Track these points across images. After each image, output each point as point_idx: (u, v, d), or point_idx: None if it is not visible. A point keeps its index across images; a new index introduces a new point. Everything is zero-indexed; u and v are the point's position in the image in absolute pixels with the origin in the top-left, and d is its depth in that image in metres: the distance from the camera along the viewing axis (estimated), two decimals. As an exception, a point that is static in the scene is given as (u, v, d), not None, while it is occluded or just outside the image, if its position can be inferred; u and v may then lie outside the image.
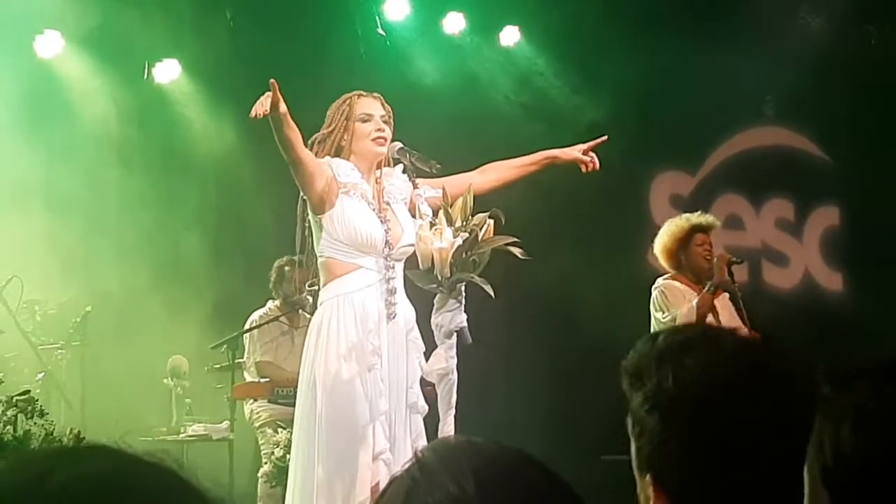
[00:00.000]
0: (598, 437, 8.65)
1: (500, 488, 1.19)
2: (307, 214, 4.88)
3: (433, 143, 7.65)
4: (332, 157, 4.87)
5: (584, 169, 5.19)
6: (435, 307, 4.93)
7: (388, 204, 4.87)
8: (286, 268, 7.75)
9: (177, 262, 8.52)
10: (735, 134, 10.37)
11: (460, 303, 4.88)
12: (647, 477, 1.59)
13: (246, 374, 7.77)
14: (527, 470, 1.22)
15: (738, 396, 1.48)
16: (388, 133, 4.86)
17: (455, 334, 4.87)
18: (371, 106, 4.90)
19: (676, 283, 6.85)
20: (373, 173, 4.90)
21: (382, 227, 4.78)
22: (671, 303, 6.76)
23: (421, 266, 4.90)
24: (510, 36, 9.36)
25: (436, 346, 4.96)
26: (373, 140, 4.85)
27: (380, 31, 8.93)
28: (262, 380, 7.58)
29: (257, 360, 7.73)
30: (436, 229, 4.86)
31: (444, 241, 4.81)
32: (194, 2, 8.69)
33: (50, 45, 8.61)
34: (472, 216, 4.89)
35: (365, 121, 4.86)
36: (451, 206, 4.93)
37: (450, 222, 4.86)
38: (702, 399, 1.52)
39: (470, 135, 8.67)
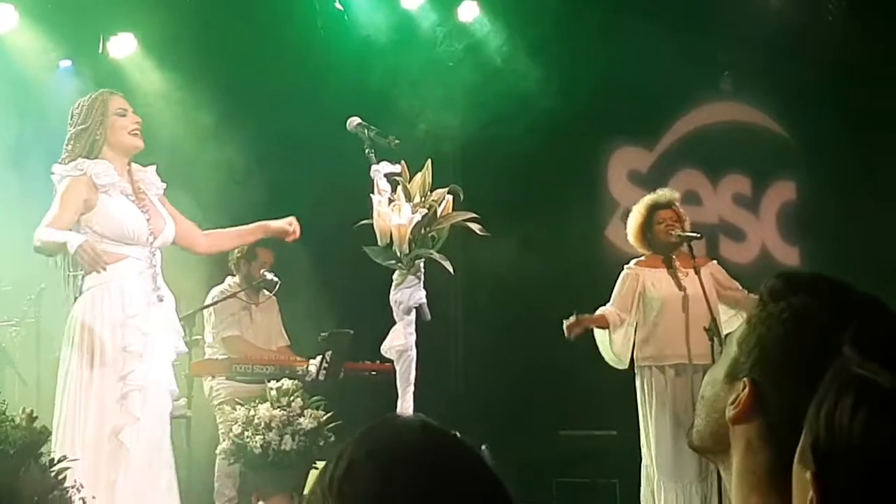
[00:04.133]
0: (556, 412, 8.69)
1: (387, 452, 1.22)
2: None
3: (392, 116, 7.64)
4: (87, 154, 4.99)
5: (287, 239, 5.60)
6: (394, 284, 4.92)
7: (145, 195, 5.06)
8: (257, 248, 7.73)
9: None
10: (693, 109, 10.40)
11: (419, 279, 4.87)
12: (744, 381, 1.60)
13: (207, 349, 7.73)
14: (426, 439, 1.22)
15: None
16: (140, 125, 5.13)
17: (414, 311, 4.87)
18: (124, 102, 5.13)
19: (636, 270, 6.90)
20: (125, 167, 4.98)
21: (144, 218, 4.97)
22: (616, 290, 6.87)
23: (379, 242, 4.89)
24: (469, 11, 9.31)
25: (394, 323, 4.95)
26: (130, 133, 5.03)
27: (338, 5, 8.87)
28: (221, 356, 7.55)
29: (224, 336, 7.71)
30: (394, 205, 4.85)
31: (402, 217, 4.80)
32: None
33: (3, 18, 8.49)
34: (431, 192, 4.88)
35: (121, 115, 5.01)
36: (409, 182, 4.92)
37: (408, 198, 4.85)
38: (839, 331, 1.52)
39: (431, 106, 8.64)
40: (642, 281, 6.85)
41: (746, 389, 1.60)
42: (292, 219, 5.54)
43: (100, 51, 8.81)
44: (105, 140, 5.04)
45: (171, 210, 5.26)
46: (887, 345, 1.25)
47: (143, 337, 4.87)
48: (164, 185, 5.25)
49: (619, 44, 9.13)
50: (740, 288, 6.92)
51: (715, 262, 7.14)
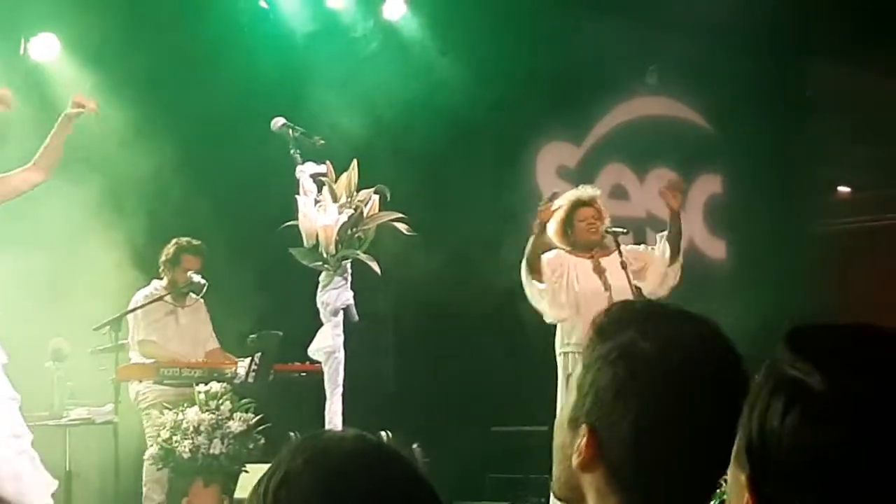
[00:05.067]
0: (487, 410, 8.70)
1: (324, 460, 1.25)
2: None
3: (318, 117, 7.59)
4: None
5: (89, 109, 5.86)
6: (320, 285, 4.89)
7: None
8: (181, 252, 7.64)
9: (58, 244, 8.31)
10: (619, 104, 10.46)
11: (346, 280, 4.85)
12: (583, 427, 1.57)
13: (131, 354, 7.64)
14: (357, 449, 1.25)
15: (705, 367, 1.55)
16: None
17: (341, 312, 4.84)
18: None
19: (564, 255, 6.89)
20: None
21: None
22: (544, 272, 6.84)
23: (305, 243, 4.86)
24: (394, 8, 9.28)
25: (321, 325, 4.93)
26: None
27: (263, 3, 8.80)
28: (148, 361, 7.46)
29: (140, 340, 7.61)
30: (320, 206, 4.82)
31: (328, 218, 4.77)
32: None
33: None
34: (357, 192, 4.85)
35: None
36: (335, 182, 4.89)
37: (334, 199, 4.82)
38: (670, 362, 1.54)
39: (357, 105, 8.60)
40: (568, 267, 6.84)
41: (584, 437, 1.57)
42: (79, 95, 5.58)
43: (21, 52, 8.65)
44: None
45: None
46: (820, 346, 1.25)
47: None
48: None
49: (546, 39, 9.15)
50: (647, 254, 6.99)
51: (623, 247, 7.04)
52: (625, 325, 1.60)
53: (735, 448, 1.28)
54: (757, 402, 1.24)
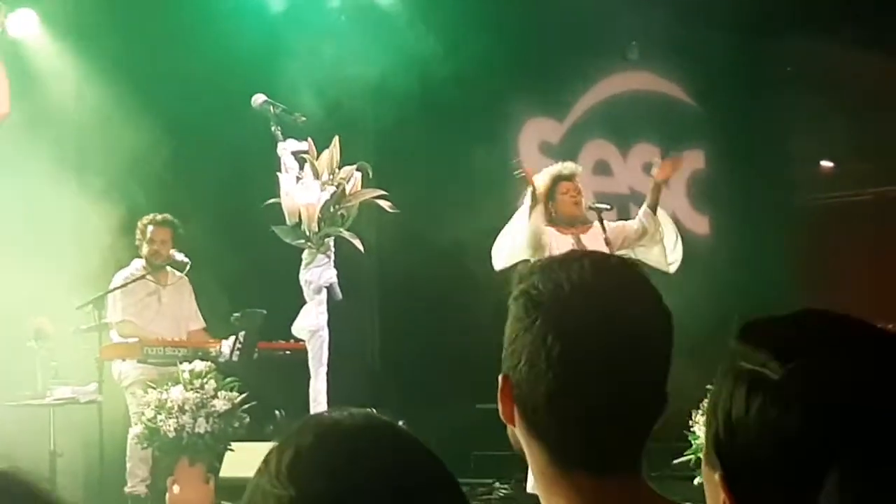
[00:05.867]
0: (471, 386, 8.70)
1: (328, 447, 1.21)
2: None
3: (296, 93, 7.56)
4: None
5: None
6: (303, 263, 4.88)
7: None
8: (149, 226, 7.63)
9: (38, 222, 8.28)
10: (601, 80, 10.44)
11: (329, 258, 4.84)
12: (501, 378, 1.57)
13: (111, 334, 7.61)
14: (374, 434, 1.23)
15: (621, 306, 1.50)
16: None
17: (325, 290, 4.83)
18: None
19: (544, 227, 6.89)
20: None
21: None
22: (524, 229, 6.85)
23: (287, 221, 4.85)
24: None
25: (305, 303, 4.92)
26: None
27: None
28: (131, 339, 7.44)
29: (118, 321, 7.58)
30: (302, 183, 4.81)
31: (310, 196, 4.76)
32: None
33: None
34: (339, 169, 4.84)
35: None
36: (317, 159, 4.88)
37: (316, 176, 4.81)
38: (587, 297, 1.50)
39: (334, 81, 8.57)
40: (549, 243, 6.84)
41: (500, 386, 1.55)
42: None
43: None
44: None
45: None
46: (772, 336, 1.25)
47: None
48: None
49: (526, 14, 9.12)
50: (624, 226, 7.02)
51: (607, 223, 7.05)
52: (537, 269, 1.57)
53: (704, 451, 1.29)
54: (719, 400, 1.25)
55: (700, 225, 10.80)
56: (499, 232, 6.84)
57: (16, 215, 8.09)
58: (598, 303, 1.50)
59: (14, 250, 7.83)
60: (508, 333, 1.55)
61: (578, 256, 1.57)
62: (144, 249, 7.72)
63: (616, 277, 1.54)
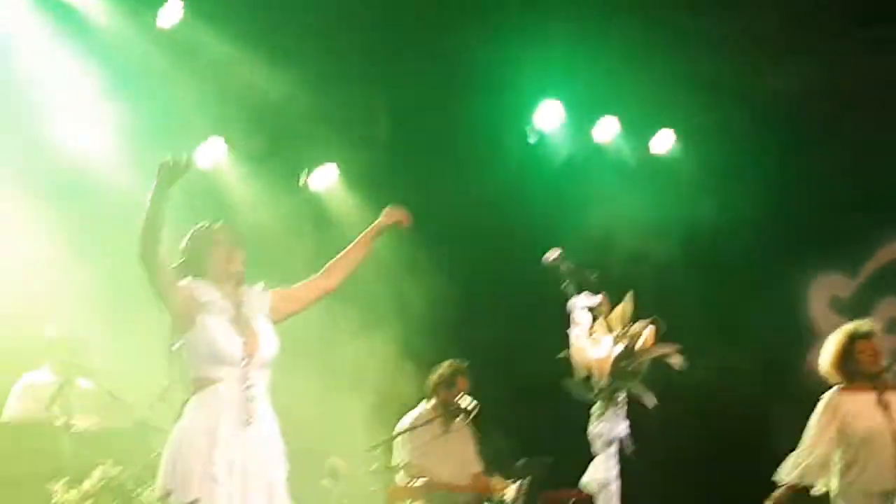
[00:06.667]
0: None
1: None
2: (174, 338, 5.02)
3: (585, 248, 7.68)
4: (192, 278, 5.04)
5: (403, 224, 5.37)
6: (593, 416, 4.91)
7: (246, 318, 5.01)
8: (458, 375, 7.85)
9: (334, 359, 8.64)
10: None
11: (621, 411, 4.86)
12: None
13: (398, 476, 7.79)
14: None
15: None
16: (238, 254, 5.07)
17: (616, 443, 4.85)
18: (221, 232, 5.11)
19: (837, 399, 6.75)
20: (230, 291, 5.01)
21: (240, 340, 4.93)
22: (820, 413, 6.70)
23: (577, 375, 4.90)
24: (664, 141, 9.40)
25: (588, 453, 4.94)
26: (226, 261, 5.03)
27: (531, 139, 9.05)
28: (419, 482, 7.59)
29: (405, 463, 7.75)
30: (594, 338, 4.87)
31: (601, 350, 4.82)
32: (350, 112, 8.91)
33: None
34: (632, 323, 4.89)
35: (217, 244, 4.98)
36: (609, 314, 4.94)
37: (608, 330, 4.87)
38: None
39: (622, 237, 8.67)
40: (843, 413, 6.69)
41: None
42: (390, 209, 5.36)
43: (301, 183, 9.12)
44: (207, 269, 5.07)
45: (295, 294, 5.20)
46: None
47: (229, 465, 4.83)
48: (269, 296, 5.13)
49: (822, 172, 9.06)
50: None
51: None
52: None
53: None
54: None
55: None
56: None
57: (314, 359, 8.47)
58: None
59: (310, 386, 8.16)
60: None
61: None
62: (443, 393, 7.88)
63: None
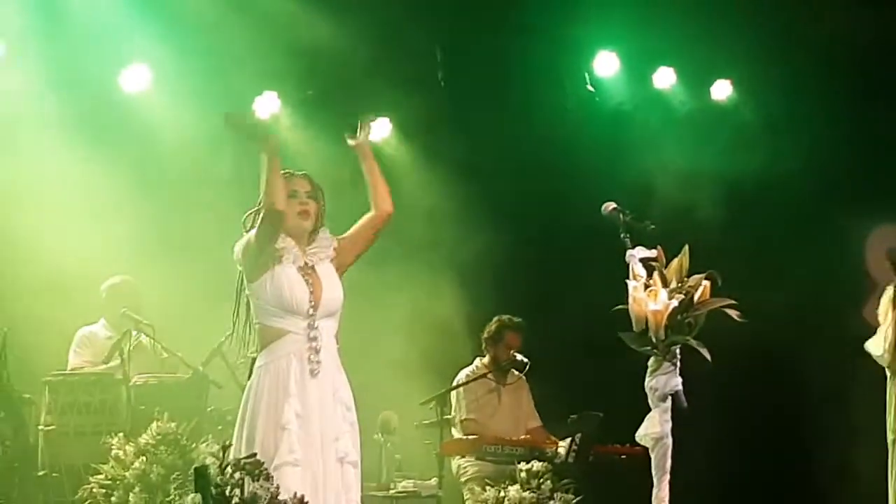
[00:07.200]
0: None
1: None
2: (243, 285, 4.98)
3: (644, 200, 7.60)
4: None
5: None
6: (649, 370, 4.86)
7: (311, 267, 4.96)
8: (506, 330, 7.81)
9: (385, 318, 8.64)
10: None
11: (675, 366, 4.80)
12: None
13: (453, 430, 7.80)
14: None
15: None
16: (311, 207, 4.99)
17: (670, 398, 4.80)
18: (298, 183, 5.00)
19: None
20: (302, 240, 4.97)
21: (308, 290, 4.88)
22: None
23: (635, 328, 4.85)
24: (722, 89, 9.28)
25: (649, 409, 4.89)
26: (298, 214, 4.93)
27: (589, 86, 8.95)
28: (470, 436, 7.60)
29: (463, 419, 7.77)
30: (650, 291, 4.81)
31: (658, 304, 4.76)
32: (406, 64, 8.86)
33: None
34: (688, 277, 4.82)
35: (292, 196, 4.89)
36: (666, 268, 4.88)
37: (665, 284, 4.80)
38: None
39: (683, 190, 8.57)
40: None
41: None
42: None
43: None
44: None
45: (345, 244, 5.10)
46: None
47: (297, 418, 4.79)
48: (333, 242, 5.06)
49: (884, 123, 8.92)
50: None
51: None
52: None
53: None
54: None
55: None
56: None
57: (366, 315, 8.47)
58: None
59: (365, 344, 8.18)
60: None
61: None
62: (492, 349, 7.90)
63: None
